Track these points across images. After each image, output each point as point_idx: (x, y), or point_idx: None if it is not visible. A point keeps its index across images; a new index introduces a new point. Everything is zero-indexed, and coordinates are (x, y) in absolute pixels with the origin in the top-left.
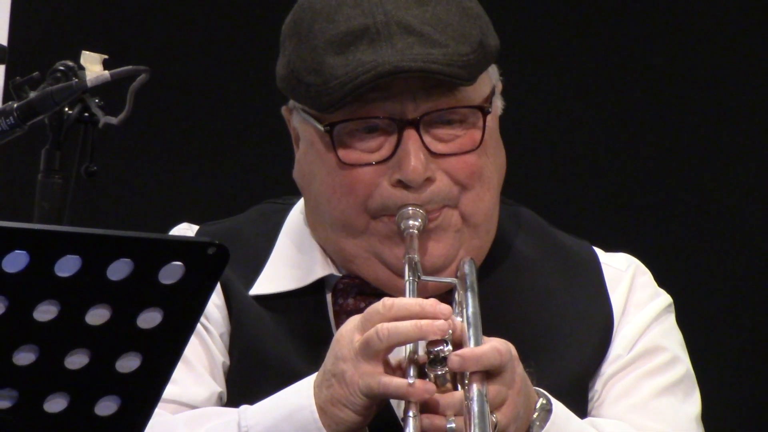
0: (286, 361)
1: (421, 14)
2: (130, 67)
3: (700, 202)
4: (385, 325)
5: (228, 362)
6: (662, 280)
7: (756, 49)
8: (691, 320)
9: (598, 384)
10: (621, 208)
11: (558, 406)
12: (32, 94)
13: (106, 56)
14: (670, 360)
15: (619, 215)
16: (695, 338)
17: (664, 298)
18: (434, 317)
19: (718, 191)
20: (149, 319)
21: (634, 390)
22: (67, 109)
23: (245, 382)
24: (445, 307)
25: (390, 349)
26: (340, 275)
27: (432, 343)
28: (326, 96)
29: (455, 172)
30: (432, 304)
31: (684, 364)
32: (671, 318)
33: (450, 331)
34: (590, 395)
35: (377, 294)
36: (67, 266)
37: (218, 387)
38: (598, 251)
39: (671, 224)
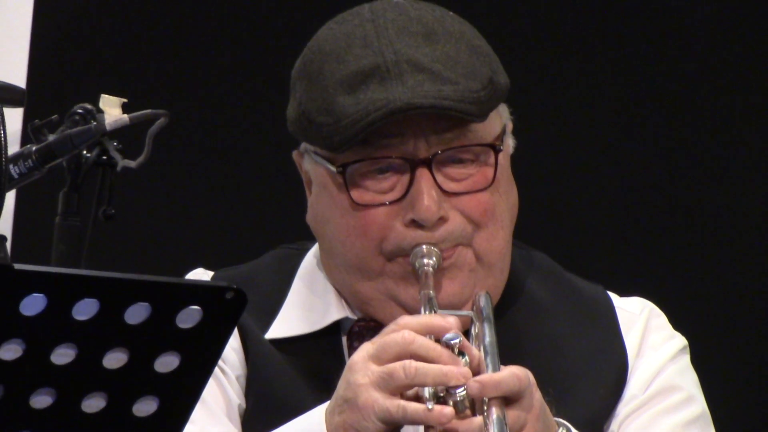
0: (301, 404)
1: (430, 52)
2: (148, 110)
3: (715, 245)
4: (414, 364)
5: (244, 405)
6: (677, 323)
7: None
8: (706, 363)
9: (614, 425)
10: (636, 252)
11: None
12: (51, 137)
13: (124, 100)
14: (685, 399)
15: (633, 259)
16: (711, 380)
17: (679, 340)
18: (450, 360)
19: (734, 235)
20: (167, 363)
21: (649, 428)
22: (85, 152)
23: (261, 425)
24: (453, 319)
25: (411, 387)
26: (356, 318)
27: None
28: (338, 135)
29: (468, 210)
30: (439, 319)
31: (700, 404)
32: (686, 359)
33: (467, 359)
34: None
35: None
36: (84, 309)
37: (235, 429)
38: (612, 295)
39: (687, 267)
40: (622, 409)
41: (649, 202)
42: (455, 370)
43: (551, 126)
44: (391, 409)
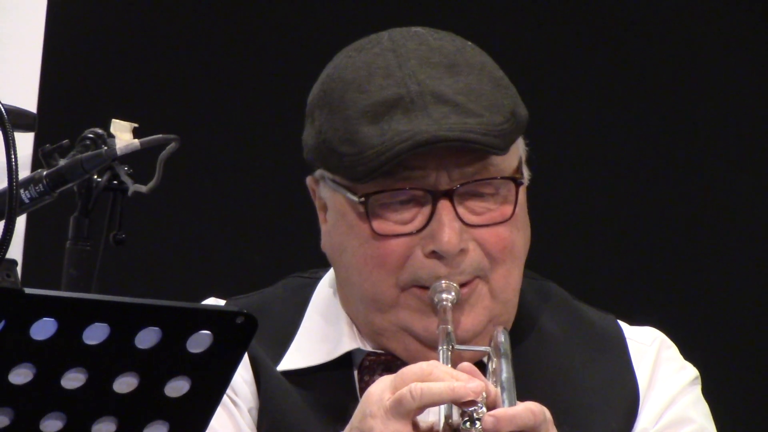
0: None
1: (453, 84)
2: (159, 135)
3: (727, 273)
4: (419, 384)
5: None
6: (688, 353)
7: None
8: (717, 393)
9: None
10: (646, 280)
11: None
12: (61, 162)
13: (135, 124)
14: (697, 431)
15: (644, 288)
16: (722, 411)
17: (690, 371)
18: (467, 378)
19: (746, 264)
20: (177, 387)
21: None
22: (96, 176)
23: None
24: (477, 384)
25: (422, 409)
26: (367, 350)
27: (466, 404)
28: (362, 165)
29: (487, 243)
30: (463, 383)
31: None
32: (697, 390)
33: (484, 395)
34: None
35: None
36: (95, 334)
37: None
38: (623, 325)
39: (697, 296)
40: None
41: (661, 230)
42: (464, 384)
43: (560, 153)
44: None
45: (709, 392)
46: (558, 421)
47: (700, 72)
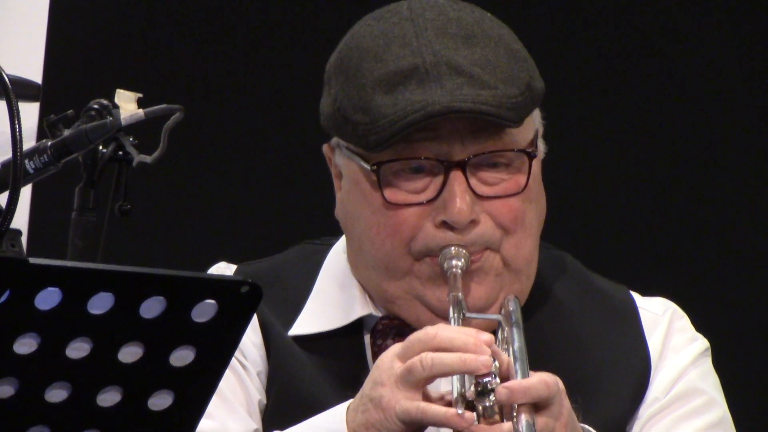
0: (323, 401)
1: (469, 55)
2: (164, 105)
3: (739, 245)
4: (430, 354)
5: (264, 401)
6: (700, 324)
7: None
8: (728, 364)
9: (636, 427)
10: (659, 251)
11: None
12: (66, 133)
13: (140, 95)
14: (707, 402)
15: (657, 258)
16: (732, 383)
17: (702, 342)
18: (476, 348)
19: (759, 236)
20: (182, 357)
21: None
22: (101, 147)
23: (282, 422)
24: (487, 336)
25: (432, 378)
26: (380, 315)
27: (480, 375)
28: (374, 135)
29: (499, 215)
30: (474, 333)
31: (721, 408)
32: (708, 362)
33: (497, 364)
34: None
35: None
36: (100, 304)
37: (254, 424)
38: (636, 295)
39: (710, 268)
40: (644, 411)
41: (673, 201)
42: (475, 357)
43: (576, 127)
44: (411, 410)
45: (719, 363)
46: (570, 391)
47: (713, 49)
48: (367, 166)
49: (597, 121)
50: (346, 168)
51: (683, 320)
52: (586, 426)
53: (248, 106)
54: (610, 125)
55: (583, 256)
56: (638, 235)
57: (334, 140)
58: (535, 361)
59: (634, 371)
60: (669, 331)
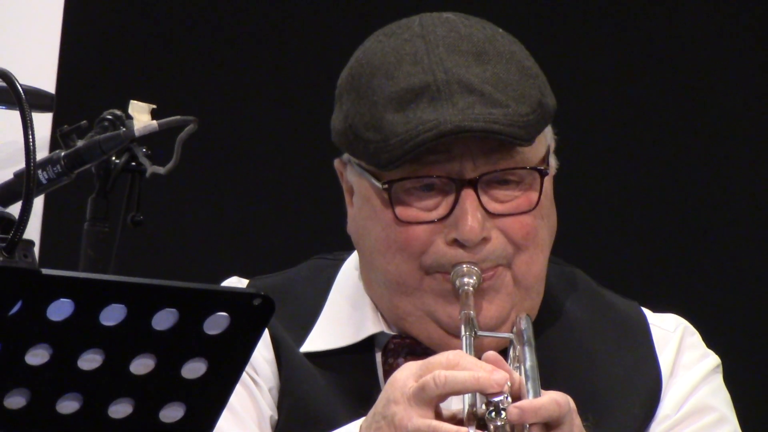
0: (334, 418)
1: (481, 73)
2: (177, 117)
3: (752, 262)
4: (443, 372)
5: (276, 417)
6: (711, 341)
7: None
8: (739, 381)
9: None
10: (671, 268)
11: None
12: (80, 143)
13: (154, 106)
14: (718, 420)
15: (668, 274)
16: (744, 400)
17: (713, 359)
18: (491, 368)
19: None
20: (194, 369)
21: None
22: (114, 158)
23: None
24: (502, 375)
25: (444, 397)
26: (391, 333)
27: (491, 394)
28: (386, 153)
29: (511, 231)
30: (490, 368)
31: (732, 424)
32: (719, 378)
33: (509, 384)
34: None
35: (428, 354)
36: (112, 315)
37: None
38: (647, 312)
39: (722, 284)
40: (655, 428)
41: (685, 217)
42: (489, 376)
43: (587, 142)
44: (422, 428)
45: (730, 380)
46: (581, 408)
47: (719, 55)
48: (378, 184)
49: (608, 136)
50: (358, 184)
51: (694, 337)
52: None
53: (262, 118)
54: (622, 140)
55: (595, 271)
56: (650, 250)
57: (346, 156)
58: (546, 378)
59: (645, 388)
60: (680, 348)
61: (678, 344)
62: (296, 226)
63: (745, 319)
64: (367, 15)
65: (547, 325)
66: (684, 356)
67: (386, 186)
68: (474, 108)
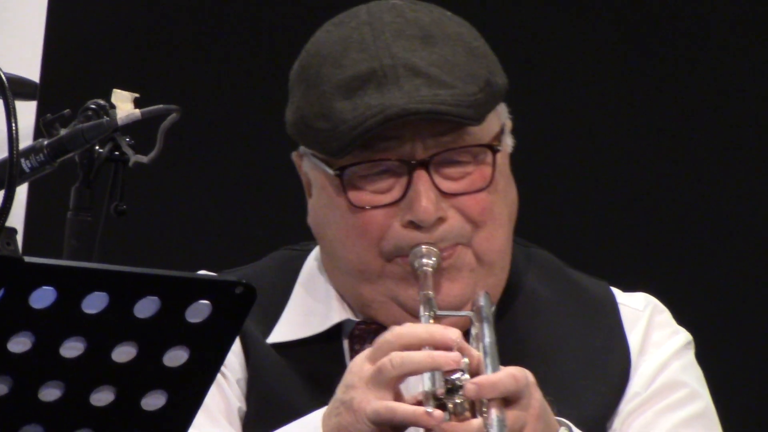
0: (302, 408)
1: (427, 56)
2: (160, 106)
3: (720, 240)
4: (399, 353)
5: (245, 408)
6: (682, 318)
7: None
8: (711, 358)
9: (617, 422)
10: (640, 246)
11: None
12: (63, 132)
13: (137, 95)
14: (689, 395)
15: (637, 253)
16: (716, 376)
17: (683, 336)
18: (444, 343)
19: (739, 229)
20: (175, 357)
21: (652, 426)
22: (97, 147)
23: (262, 429)
24: (453, 331)
25: (402, 377)
26: (357, 320)
27: (449, 372)
28: (335, 141)
29: (467, 209)
30: (440, 329)
31: (704, 400)
32: (690, 354)
33: (467, 361)
34: None
35: None
36: (94, 303)
37: None
38: (616, 291)
39: (691, 261)
40: (625, 406)
41: (653, 196)
42: (445, 353)
43: (553, 122)
44: (380, 410)
45: (702, 357)
46: (548, 388)
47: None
48: (331, 172)
49: (572, 115)
50: (313, 175)
51: (664, 315)
52: (562, 419)
53: (245, 106)
54: (586, 119)
55: (564, 252)
56: (619, 230)
57: (301, 148)
58: (513, 358)
59: (613, 367)
60: (649, 326)
61: (647, 322)
62: (281, 212)
63: (715, 297)
64: (348, 6)
65: (514, 305)
66: (654, 334)
67: (338, 172)
68: (420, 90)
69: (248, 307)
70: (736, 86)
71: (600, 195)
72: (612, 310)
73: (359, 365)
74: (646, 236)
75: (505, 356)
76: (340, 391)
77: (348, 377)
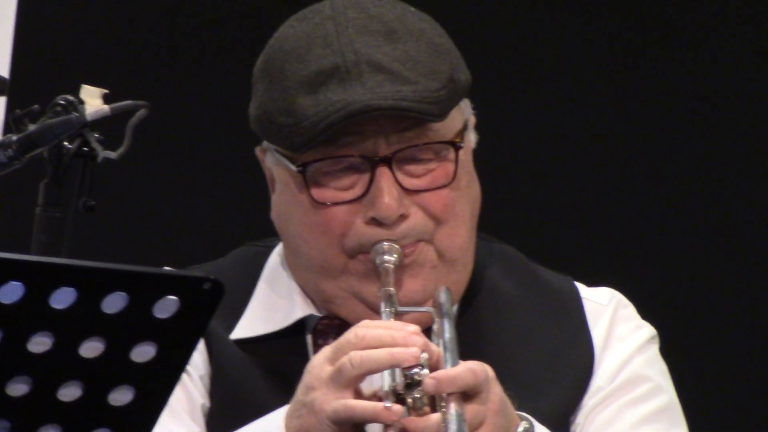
0: (266, 404)
1: (390, 52)
2: (129, 101)
3: (685, 234)
4: (358, 352)
5: (208, 404)
6: (647, 313)
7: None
8: (676, 352)
9: (580, 417)
10: (604, 242)
11: (541, 430)
12: (32, 127)
13: (106, 90)
14: (652, 389)
15: (602, 249)
16: (680, 370)
17: (647, 330)
18: (405, 342)
19: (704, 224)
20: (143, 352)
21: (616, 420)
22: (66, 143)
23: (226, 425)
24: (413, 327)
25: (362, 377)
26: (320, 315)
27: (408, 368)
28: (298, 136)
29: (429, 206)
30: (400, 325)
31: (668, 394)
32: (654, 349)
33: (426, 356)
34: (572, 429)
35: None
36: (62, 298)
37: (198, 428)
38: (580, 286)
39: (656, 256)
40: (589, 401)
41: (617, 191)
42: (404, 350)
43: (517, 116)
44: (339, 409)
45: (667, 351)
46: (510, 382)
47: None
48: (293, 168)
49: (535, 110)
50: (277, 170)
51: (628, 309)
52: (523, 413)
53: (214, 102)
54: (549, 114)
55: (528, 247)
56: (583, 225)
57: (265, 143)
58: (475, 353)
59: (577, 361)
60: (613, 321)
61: (611, 317)
62: (251, 208)
63: (679, 291)
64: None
65: (477, 301)
66: (617, 329)
67: (300, 168)
68: (383, 86)
69: (216, 303)
70: (701, 82)
71: (564, 190)
72: (576, 304)
73: (319, 366)
74: (610, 231)
75: (468, 351)
76: (300, 393)
77: (308, 378)
